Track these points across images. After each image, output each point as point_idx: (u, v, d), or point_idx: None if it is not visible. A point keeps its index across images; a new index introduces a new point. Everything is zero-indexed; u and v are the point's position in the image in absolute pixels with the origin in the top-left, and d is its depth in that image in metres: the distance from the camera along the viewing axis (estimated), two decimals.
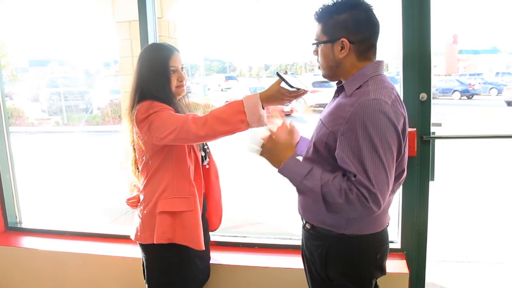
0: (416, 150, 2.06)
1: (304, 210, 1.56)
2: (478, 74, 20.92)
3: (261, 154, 1.49)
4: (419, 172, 2.11)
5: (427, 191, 2.14)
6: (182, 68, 1.83)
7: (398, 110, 1.32)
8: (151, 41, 2.38)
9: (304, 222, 1.58)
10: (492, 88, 18.75)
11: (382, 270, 1.55)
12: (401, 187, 2.13)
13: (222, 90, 21.57)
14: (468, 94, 18.15)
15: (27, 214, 3.05)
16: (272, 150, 1.46)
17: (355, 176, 1.28)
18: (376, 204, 1.27)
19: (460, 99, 17.87)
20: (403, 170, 1.46)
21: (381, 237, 1.51)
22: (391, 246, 2.20)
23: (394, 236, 2.25)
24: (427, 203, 2.15)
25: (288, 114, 13.49)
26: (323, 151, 1.41)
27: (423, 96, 2.07)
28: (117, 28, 5.35)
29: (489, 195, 5.50)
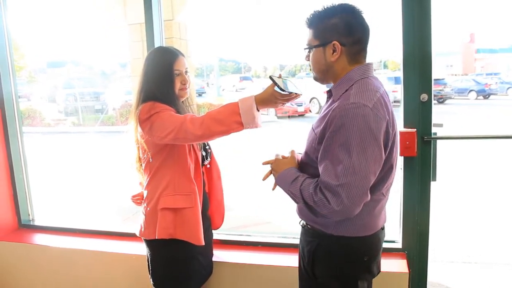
0: (416, 150, 2.07)
1: (300, 209, 1.60)
2: (495, 74, 20.54)
3: (274, 175, 1.59)
4: (419, 173, 2.12)
5: (428, 191, 2.14)
6: (186, 71, 1.89)
7: (379, 113, 1.32)
8: (157, 43, 2.44)
9: (300, 220, 1.63)
10: (510, 87, 18.42)
11: (370, 272, 1.55)
12: (402, 187, 2.17)
13: (236, 90, 21.64)
14: (484, 94, 17.84)
15: (46, 213, 3.15)
16: (273, 169, 1.59)
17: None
18: (340, 205, 1.30)
19: (476, 99, 17.58)
20: (388, 176, 1.46)
21: (372, 240, 1.52)
22: (392, 245, 2.24)
23: (395, 236, 2.27)
24: (429, 203, 2.15)
25: (302, 115, 13.52)
26: (314, 157, 1.44)
27: (424, 96, 2.07)
28: (129, 30, 5.45)
29: (497, 196, 5.45)
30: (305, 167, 1.52)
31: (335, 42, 1.39)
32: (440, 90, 16.11)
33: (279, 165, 1.56)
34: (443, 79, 17.06)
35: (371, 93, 1.35)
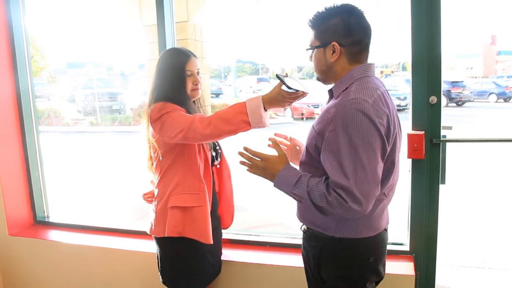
0: (424, 153, 2.06)
1: (300, 213, 1.60)
2: None
3: (255, 172, 1.52)
4: (428, 175, 2.10)
5: (436, 194, 2.12)
6: (198, 72, 1.92)
7: (380, 109, 1.32)
8: (169, 44, 2.48)
9: (301, 224, 1.63)
10: None
11: (377, 274, 1.54)
12: (410, 189, 2.16)
13: (254, 92, 21.68)
14: (505, 96, 17.39)
15: (62, 210, 3.21)
16: (265, 168, 1.49)
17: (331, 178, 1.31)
18: (356, 203, 1.28)
19: (496, 102, 17.23)
20: (390, 174, 1.45)
21: (376, 241, 1.51)
22: (399, 248, 2.23)
23: (403, 238, 2.26)
24: (437, 206, 2.14)
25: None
26: (315, 154, 1.44)
27: (433, 99, 2.05)
28: (145, 32, 5.52)
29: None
30: (305, 166, 1.51)
31: (334, 43, 1.40)
32: (459, 92, 15.84)
33: (272, 165, 1.48)
34: (462, 81, 16.73)
35: (372, 91, 1.35)
